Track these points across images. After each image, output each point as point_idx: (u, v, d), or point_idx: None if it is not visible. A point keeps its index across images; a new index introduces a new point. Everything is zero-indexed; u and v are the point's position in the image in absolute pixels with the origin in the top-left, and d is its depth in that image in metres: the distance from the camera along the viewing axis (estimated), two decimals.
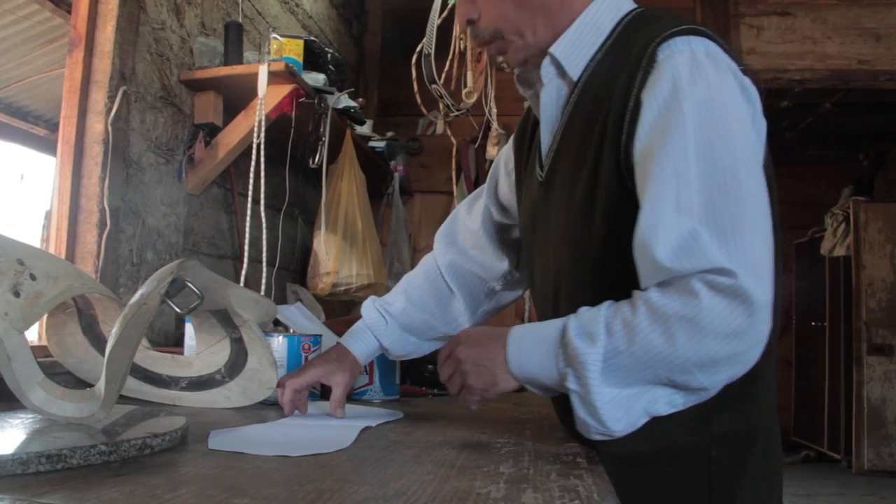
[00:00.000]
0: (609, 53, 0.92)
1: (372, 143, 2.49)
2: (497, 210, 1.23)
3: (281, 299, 2.24)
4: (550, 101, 0.97)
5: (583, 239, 0.92)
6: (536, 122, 1.05)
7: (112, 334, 0.83)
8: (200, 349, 1.27)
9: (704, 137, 0.79)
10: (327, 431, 0.99)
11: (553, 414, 1.14)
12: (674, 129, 0.80)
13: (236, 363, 1.26)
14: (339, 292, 2.13)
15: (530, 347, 0.86)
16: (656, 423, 0.82)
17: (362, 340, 1.22)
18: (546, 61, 0.95)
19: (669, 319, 0.75)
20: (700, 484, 0.89)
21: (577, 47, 0.94)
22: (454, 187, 2.74)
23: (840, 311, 5.15)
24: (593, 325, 0.80)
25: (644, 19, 0.93)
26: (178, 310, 0.87)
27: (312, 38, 1.94)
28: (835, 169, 5.98)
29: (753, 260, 0.75)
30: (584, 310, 0.83)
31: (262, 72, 1.64)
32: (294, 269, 2.37)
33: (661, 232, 0.77)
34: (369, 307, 1.25)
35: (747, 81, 0.88)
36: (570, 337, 0.81)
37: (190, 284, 0.88)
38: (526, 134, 1.11)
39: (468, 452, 0.88)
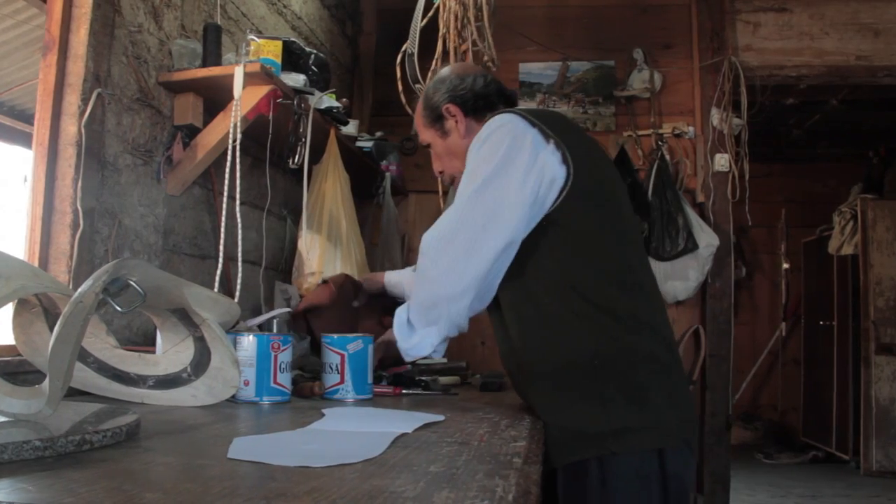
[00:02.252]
0: None
1: (360, 143, 2.50)
2: None
3: (269, 298, 2.25)
4: None
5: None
6: None
7: (53, 333, 0.84)
8: (166, 348, 1.29)
9: (474, 181, 1.25)
10: (358, 439, 0.96)
11: (521, 413, 1.26)
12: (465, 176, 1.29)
13: (201, 362, 1.27)
14: None
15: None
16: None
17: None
18: None
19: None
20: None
21: None
22: (438, 185, 2.73)
23: (848, 310, 5.10)
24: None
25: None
26: (118, 308, 0.88)
27: (293, 39, 1.95)
28: (844, 166, 5.91)
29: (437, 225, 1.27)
30: None
31: (238, 73, 1.65)
32: (283, 268, 2.38)
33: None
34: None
35: (534, 131, 1.26)
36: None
37: (133, 283, 0.89)
38: None
39: (409, 451, 0.88)
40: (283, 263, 2.39)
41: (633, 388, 1.22)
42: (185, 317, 1.19)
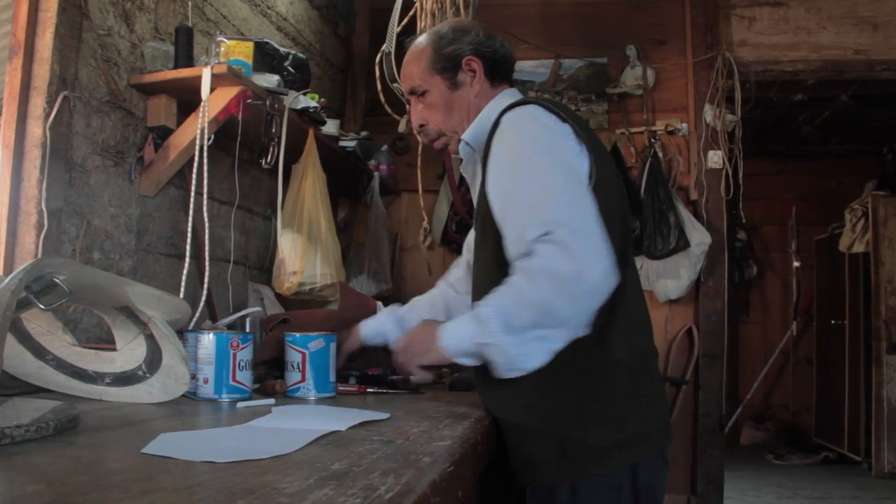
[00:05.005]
0: (492, 132, 1.28)
1: (343, 143, 2.51)
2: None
3: (240, 297, 2.27)
4: (471, 174, 1.42)
5: (488, 253, 1.26)
6: None
7: None
8: (120, 345, 1.31)
9: (533, 166, 1.17)
10: (281, 436, 0.95)
11: (473, 413, 1.25)
12: (512, 166, 1.19)
13: (153, 359, 1.29)
14: (304, 291, 2.15)
15: (453, 324, 1.21)
16: None
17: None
18: (462, 144, 1.37)
19: (528, 270, 1.10)
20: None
21: (479, 134, 1.34)
22: (419, 185, 2.74)
23: (859, 308, 5.02)
24: (489, 296, 1.15)
25: (509, 105, 1.28)
26: (41, 306, 0.90)
27: (267, 40, 1.97)
28: (858, 163, 5.80)
29: (563, 219, 1.09)
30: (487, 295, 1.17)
31: (206, 74, 1.67)
32: (268, 268, 2.40)
33: (511, 230, 1.17)
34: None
35: (565, 127, 1.22)
36: (476, 308, 1.16)
37: (59, 280, 0.91)
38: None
39: (325, 448, 0.88)
40: (269, 263, 2.41)
41: (612, 404, 1.18)
42: (131, 315, 1.21)
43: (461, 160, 1.44)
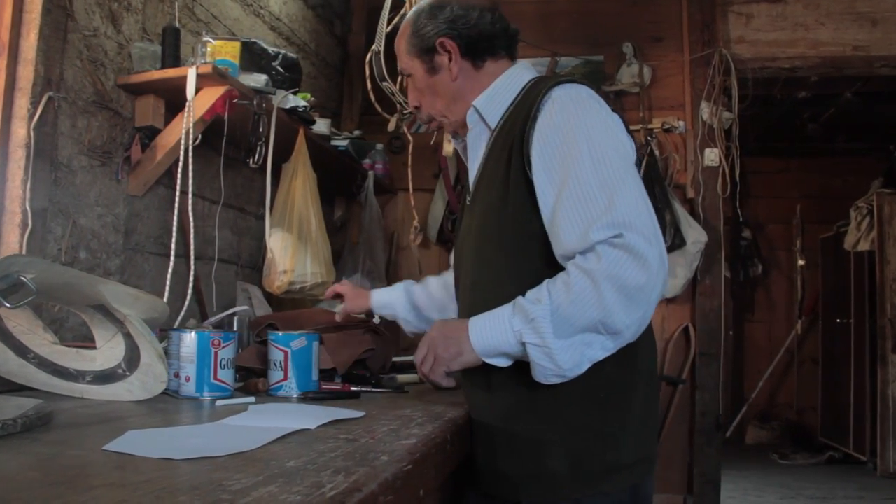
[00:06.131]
0: (518, 106, 1.21)
1: (335, 142, 2.52)
2: None
3: (226, 296, 2.27)
4: (475, 141, 1.28)
5: (494, 227, 1.18)
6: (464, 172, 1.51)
7: None
8: (100, 343, 1.32)
9: (594, 152, 1.07)
10: (245, 434, 0.95)
11: (449, 412, 1.23)
12: (571, 147, 1.08)
13: (132, 357, 1.30)
14: (294, 290, 2.16)
15: (487, 322, 1.10)
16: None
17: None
18: (471, 111, 1.26)
19: (592, 273, 1.01)
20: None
21: (493, 103, 1.25)
22: (409, 183, 2.74)
23: (865, 307, 4.98)
24: (539, 293, 1.06)
25: (542, 80, 1.24)
26: (7, 304, 0.91)
27: (254, 40, 1.98)
28: (865, 161, 5.75)
29: (635, 224, 1.01)
30: (530, 290, 1.08)
31: (191, 74, 1.68)
32: (259, 267, 2.41)
33: (570, 220, 1.06)
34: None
35: (616, 116, 1.17)
36: (522, 303, 1.06)
37: (25, 279, 0.92)
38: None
39: (288, 446, 0.89)
40: (261, 262, 2.42)
41: (633, 419, 1.15)
42: (107, 313, 1.22)
43: (463, 143, 1.34)
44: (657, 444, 1.24)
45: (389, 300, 1.60)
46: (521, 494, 1.15)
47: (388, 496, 0.74)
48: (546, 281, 1.07)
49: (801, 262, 5.92)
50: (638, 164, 1.17)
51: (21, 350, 1.31)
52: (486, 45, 1.26)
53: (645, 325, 1.08)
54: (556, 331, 1.03)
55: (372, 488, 0.70)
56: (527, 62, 1.33)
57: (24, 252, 1.48)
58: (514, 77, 1.26)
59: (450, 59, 1.25)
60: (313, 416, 1.12)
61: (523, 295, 1.09)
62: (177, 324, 1.75)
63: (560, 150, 1.09)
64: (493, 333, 1.09)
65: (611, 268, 1.00)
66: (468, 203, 1.32)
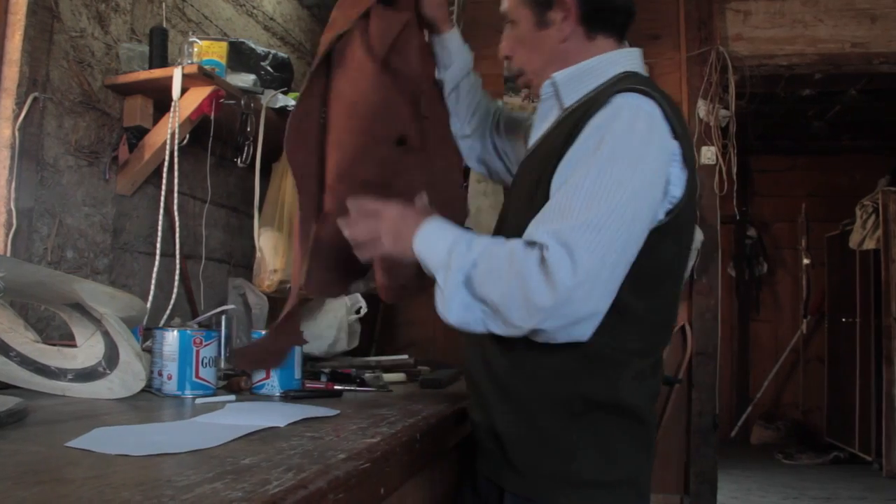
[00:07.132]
0: (596, 96, 1.13)
1: None
2: (504, 129, 1.51)
3: (215, 295, 2.28)
4: (544, 114, 1.24)
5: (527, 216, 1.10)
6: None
7: None
8: (80, 342, 1.33)
9: (602, 179, 1.01)
10: (210, 432, 0.95)
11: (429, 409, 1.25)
12: (592, 152, 1.03)
13: (112, 355, 1.31)
14: (285, 289, 2.16)
15: (438, 232, 1.09)
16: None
17: None
18: (548, 82, 1.21)
19: (514, 260, 1.00)
20: None
21: (574, 81, 1.18)
22: None
23: (870, 306, 4.94)
24: (482, 241, 1.06)
25: (626, 77, 1.14)
26: None
27: (242, 39, 1.99)
28: (871, 159, 5.71)
29: (575, 251, 0.96)
30: (484, 238, 1.07)
31: (176, 75, 1.69)
32: (251, 265, 2.42)
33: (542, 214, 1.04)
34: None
35: (669, 144, 1.06)
36: (478, 237, 1.07)
37: None
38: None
39: (249, 443, 0.89)
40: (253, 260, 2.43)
41: (647, 438, 1.14)
42: (84, 312, 1.23)
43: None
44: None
45: (461, 48, 1.45)
46: (503, 480, 1.16)
47: (339, 494, 0.74)
48: (493, 239, 1.07)
49: (806, 261, 5.88)
50: (676, 206, 1.08)
51: (3, 348, 1.33)
52: (606, 17, 1.18)
53: (564, 336, 1.01)
54: (467, 280, 1.03)
55: (319, 485, 0.70)
56: (636, 51, 1.23)
57: (8, 252, 1.50)
58: (608, 63, 1.18)
59: (564, 19, 1.17)
60: (285, 414, 1.12)
61: None
62: (162, 322, 1.76)
63: (584, 161, 1.04)
64: (433, 244, 1.08)
65: (532, 268, 0.98)
66: (514, 176, 1.35)
